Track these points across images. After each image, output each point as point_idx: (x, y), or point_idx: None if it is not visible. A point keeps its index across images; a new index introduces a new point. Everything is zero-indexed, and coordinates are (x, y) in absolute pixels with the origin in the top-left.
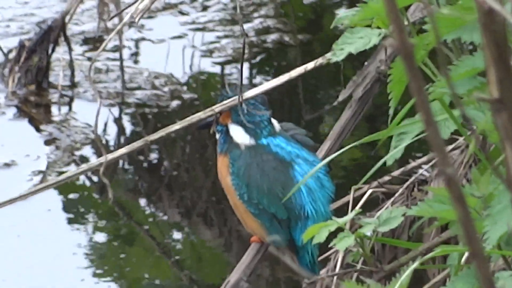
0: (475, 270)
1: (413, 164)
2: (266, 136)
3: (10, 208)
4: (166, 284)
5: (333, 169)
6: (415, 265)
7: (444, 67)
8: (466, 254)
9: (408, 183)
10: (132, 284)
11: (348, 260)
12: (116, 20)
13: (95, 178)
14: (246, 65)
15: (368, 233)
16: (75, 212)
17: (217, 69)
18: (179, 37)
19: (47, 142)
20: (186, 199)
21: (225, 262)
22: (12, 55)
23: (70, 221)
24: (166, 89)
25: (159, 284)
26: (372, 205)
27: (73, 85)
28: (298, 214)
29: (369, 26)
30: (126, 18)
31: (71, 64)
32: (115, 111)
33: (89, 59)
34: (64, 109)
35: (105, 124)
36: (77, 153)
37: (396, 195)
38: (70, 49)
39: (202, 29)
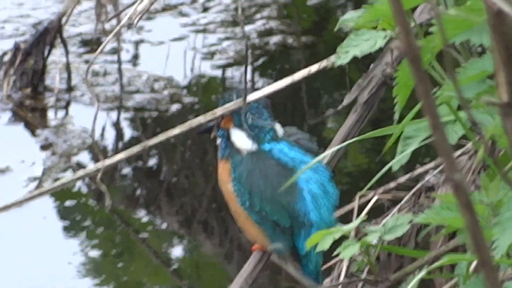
0: (484, 280)
1: (419, 170)
2: (269, 141)
3: (5, 215)
4: None
5: (337, 175)
6: (421, 274)
7: (451, 70)
8: (475, 263)
9: (414, 189)
10: None
11: (352, 269)
12: (114, 21)
13: (92, 185)
14: (248, 68)
15: (374, 241)
16: (71, 220)
17: (218, 72)
18: (179, 39)
19: (43, 147)
20: (186, 206)
21: (226, 271)
22: (7, 58)
23: (66, 229)
24: (165, 92)
25: None
26: (378, 212)
27: (70, 88)
28: (301, 222)
29: (374, 28)
30: (124, 20)
31: (67, 67)
32: (113, 115)
33: (87, 61)
34: (61, 113)
35: (103, 129)
36: (74, 158)
37: (403, 202)
38: (67, 52)
39: (203, 31)
